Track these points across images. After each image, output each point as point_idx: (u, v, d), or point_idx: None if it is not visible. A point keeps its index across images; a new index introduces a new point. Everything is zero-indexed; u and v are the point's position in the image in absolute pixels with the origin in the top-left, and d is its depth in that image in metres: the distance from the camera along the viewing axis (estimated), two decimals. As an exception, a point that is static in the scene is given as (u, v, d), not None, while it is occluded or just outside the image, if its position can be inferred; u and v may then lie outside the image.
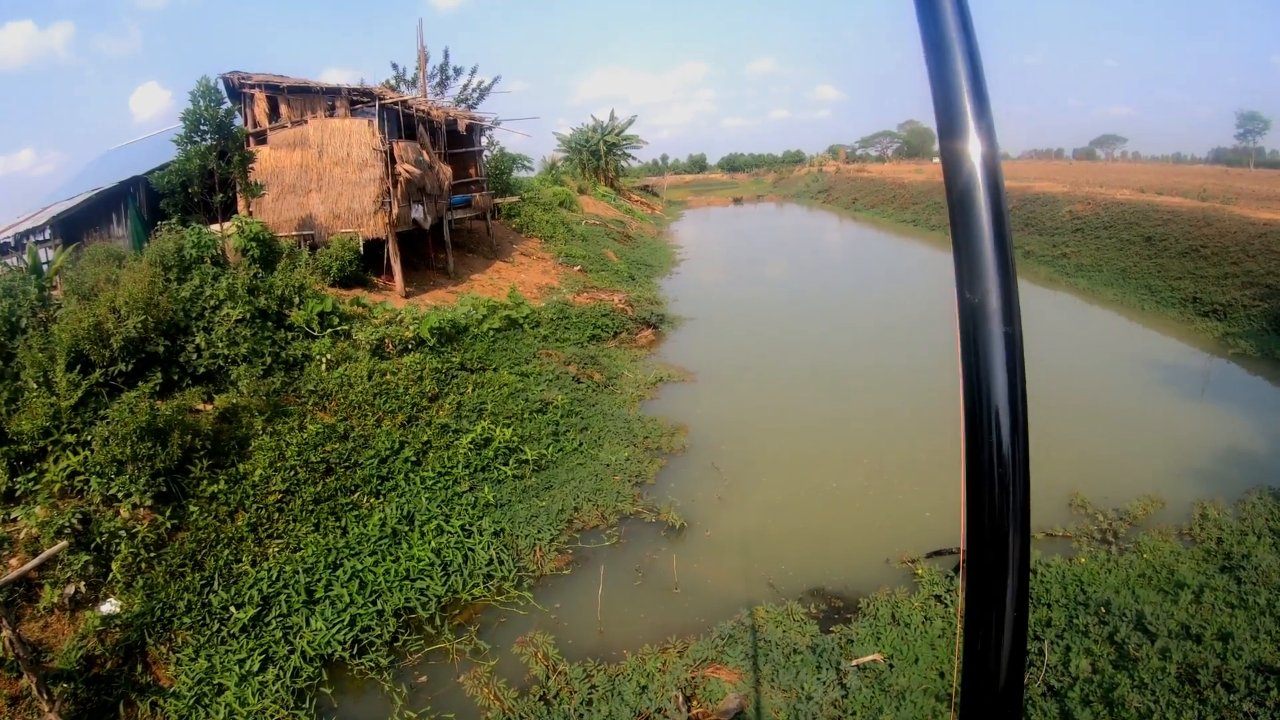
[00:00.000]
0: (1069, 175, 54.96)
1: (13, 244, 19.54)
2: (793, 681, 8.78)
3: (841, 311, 30.84)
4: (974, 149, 1.38)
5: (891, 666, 9.19)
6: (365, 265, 22.46)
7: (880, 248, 53.18)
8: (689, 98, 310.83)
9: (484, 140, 34.36)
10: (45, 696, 8.59)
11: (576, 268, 33.23)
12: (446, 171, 26.40)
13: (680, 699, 8.37)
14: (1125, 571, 11.02)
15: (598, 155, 69.64)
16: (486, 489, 14.14)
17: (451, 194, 27.25)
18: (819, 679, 8.72)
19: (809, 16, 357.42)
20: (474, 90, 39.30)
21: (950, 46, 1.38)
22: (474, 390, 17.42)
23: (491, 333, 20.94)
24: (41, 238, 19.76)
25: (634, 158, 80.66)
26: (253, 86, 22.53)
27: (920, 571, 11.37)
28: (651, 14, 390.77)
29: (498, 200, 34.57)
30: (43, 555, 8.89)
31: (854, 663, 8.90)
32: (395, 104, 23.37)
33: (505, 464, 15.10)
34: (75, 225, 20.55)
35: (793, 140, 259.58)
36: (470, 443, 15.26)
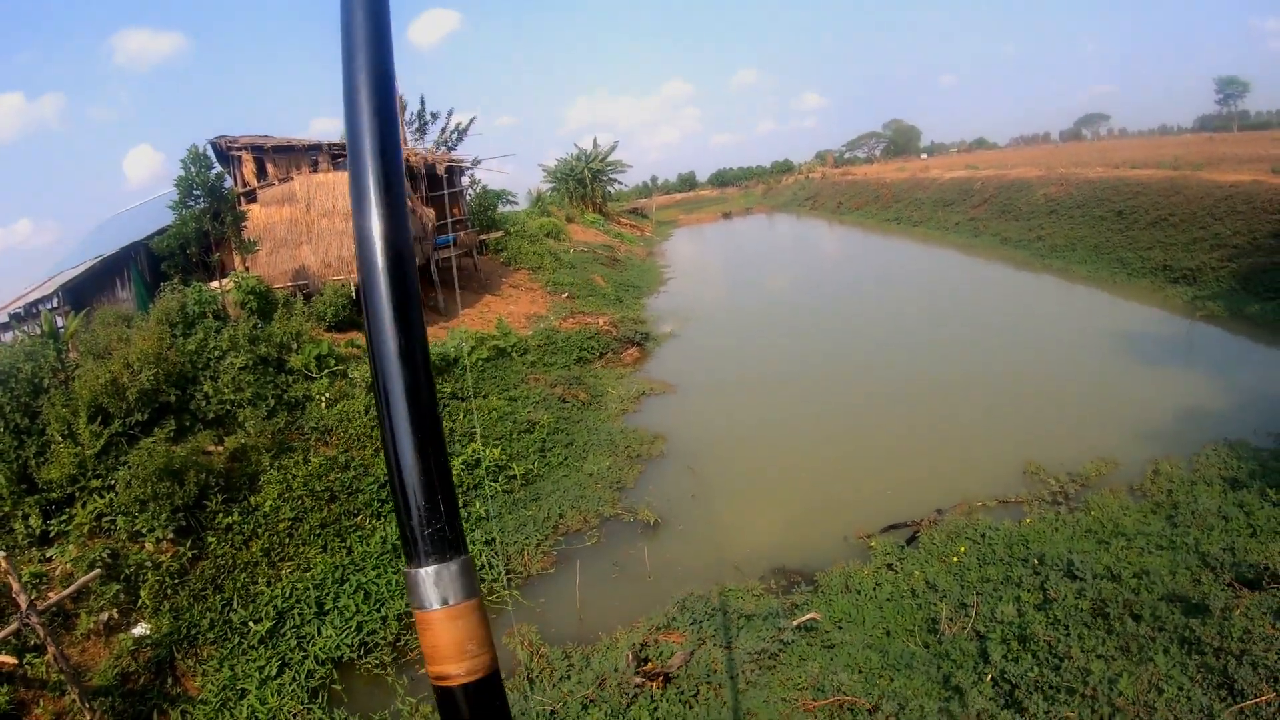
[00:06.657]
0: (1052, 158, 55.27)
1: (23, 314, 20.93)
2: (735, 640, 9.87)
3: (810, 311, 32.23)
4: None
5: (840, 627, 10.19)
6: (358, 309, 23.67)
7: (858, 249, 54.52)
8: (675, 117, 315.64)
9: (465, 180, 35.77)
10: (87, 708, 9.75)
11: (564, 295, 34.41)
12: (429, 214, 27.79)
13: (630, 657, 9.49)
14: (1071, 529, 11.56)
15: (583, 183, 71.27)
16: (477, 504, 15.30)
17: (436, 235, 28.61)
18: (759, 636, 9.81)
19: (785, 22, 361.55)
20: (453, 132, 40.66)
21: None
22: (464, 417, 18.62)
23: (480, 363, 22.17)
24: (51, 306, 21.10)
25: (620, 182, 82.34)
26: (240, 149, 24.03)
27: (874, 544, 12.38)
28: (630, 35, 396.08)
29: (483, 236, 35.91)
30: (78, 583, 10.10)
31: (794, 623, 9.95)
32: (374, 155, 24.70)
33: (495, 481, 16.26)
34: (82, 292, 21.88)
35: (781, 150, 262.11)
36: (461, 464, 16.42)
